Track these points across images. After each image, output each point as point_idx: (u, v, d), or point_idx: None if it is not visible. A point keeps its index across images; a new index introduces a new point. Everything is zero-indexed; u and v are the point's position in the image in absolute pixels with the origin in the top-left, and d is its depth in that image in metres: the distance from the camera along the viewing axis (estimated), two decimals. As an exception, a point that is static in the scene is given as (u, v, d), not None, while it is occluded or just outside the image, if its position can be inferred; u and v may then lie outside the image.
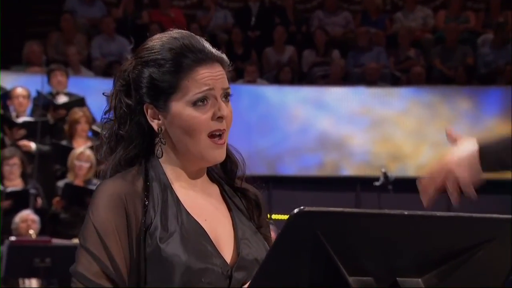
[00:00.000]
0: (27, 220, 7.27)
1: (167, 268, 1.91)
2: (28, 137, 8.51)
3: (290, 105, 10.35)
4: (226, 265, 1.96)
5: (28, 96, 8.80)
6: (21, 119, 8.65)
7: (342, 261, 1.61)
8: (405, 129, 10.16)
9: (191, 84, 1.99)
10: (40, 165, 8.28)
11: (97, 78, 10.17)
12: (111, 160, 2.06)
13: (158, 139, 2.04)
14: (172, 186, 2.02)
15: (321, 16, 11.81)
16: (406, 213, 1.61)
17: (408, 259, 1.66)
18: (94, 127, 8.35)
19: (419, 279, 1.68)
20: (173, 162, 2.05)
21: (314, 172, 10.19)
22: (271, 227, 2.26)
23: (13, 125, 8.56)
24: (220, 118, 2.00)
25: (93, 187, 2.02)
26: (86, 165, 7.84)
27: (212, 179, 2.12)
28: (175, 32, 2.05)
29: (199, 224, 1.98)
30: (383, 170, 8.62)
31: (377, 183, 8.53)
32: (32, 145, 8.42)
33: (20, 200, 7.69)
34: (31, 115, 8.83)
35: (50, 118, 8.81)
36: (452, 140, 2.29)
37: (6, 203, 7.59)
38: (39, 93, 8.83)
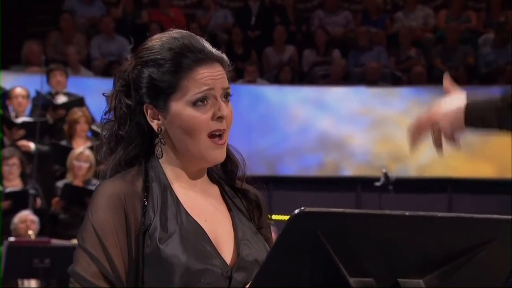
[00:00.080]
0: (26, 220, 7.26)
1: (167, 268, 1.90)
2: (27, 137, 8.50)
3: (290, 105, 10.33)
4: (226, 266, 1.95)
5: (27, 96, 8.79)
6: (20, 119, 8.64)
7: (342, 262, 1.61)
8: (406, 129, 10.10)
9: (191, 84, 1.98)
10: (39, 166, 8.27)
11: (97, 78, 10.17)
12: (110, 161, 2.05)
13: (158, 139, 2.03)
14: (172, 186, 2.02)
15: (321, 15, 11.80)
16: (407, 213, 1.61)
17: (409, 260, 1.65)
18: (94, 127, 8.35)
19: (420, 280, 1.67)
20: (173, 162, 2.04)
21: (314, 172, 10.19)
22: (272, 228, 2.25)
23: (12, 125, 8.56)
24: (220, 118, 2.00)
25: (93, 188, 2.02)
26: (85, 165, 7.83)
27: (213, 179, 2.11)
28: (175, 32, 2.05)
29: (199, 224, 1.97)
30: (383, 170, 8.64)
31: (377, 184, 8.55)
32: (31, 145, 8.41)
33: (19, 201, 7.69)
34: (30, 115, 8.82)
35: (49, 118, 8.80)
36: (446, 88, 2.32)
37: (5, 204, 7.58)
38: (38, 93, 8.82)
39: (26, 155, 8.23)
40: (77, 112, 8.36)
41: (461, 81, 10.61)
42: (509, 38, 10.88)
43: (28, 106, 8.85)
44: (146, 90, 2.01)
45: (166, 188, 2.00)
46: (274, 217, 8.42)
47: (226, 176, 2.12)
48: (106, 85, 2.17)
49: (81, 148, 7.99)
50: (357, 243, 1.61)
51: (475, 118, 2.23)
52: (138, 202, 1.96)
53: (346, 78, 10.98)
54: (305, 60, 11.39)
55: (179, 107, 1.99)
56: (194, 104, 1.98)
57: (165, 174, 2.02)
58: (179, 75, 1.99)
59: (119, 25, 11.17)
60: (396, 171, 9.25)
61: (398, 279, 1.66)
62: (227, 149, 2.06)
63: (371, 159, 10.11)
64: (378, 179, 8.60)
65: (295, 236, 1.58)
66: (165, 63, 1.99)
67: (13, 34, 10.85)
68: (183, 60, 1.99)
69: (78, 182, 7.86)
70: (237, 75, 10.24)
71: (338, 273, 1.61)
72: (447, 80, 2.34)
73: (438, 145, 2.27)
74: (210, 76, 1.99)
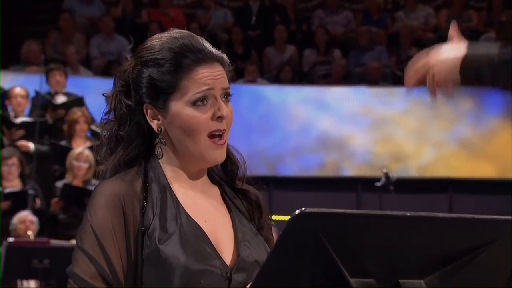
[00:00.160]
0: (25, 221, 7.25)
1: (166, 269, 1.90)
2: (27, 137, 8.49)
3: (290, 105, 10.32)
4: (225, 267, 1.95)
5: (27, 96, 8.79)
6: (19, 119, 8.63)
7: (343, 263, 1.60)
8: (406, 129, 10.14)
9: (190, 84, 1.98)
10: (38, 166, 8.26)
11: (96, 77, 10.16)
12: (110, 161, 2.06)
13: (157, 139, 2.03)
14: (171, 187, 2.02)
15: (322, 15, 11.79)
16: (408, 214, 1.60)
17: (410, 260, 1.65)
18: (93, 127, 8.34)
19: (422, 281, 1.67)
20: (173, 162, 2.04)
21: (314, 172, 10.18)
22: (273, 228, 2.24)
23: (11, 125, 8.54)
24: (220, 118, 1.99)
25: (92, 188, 2.02)
26: (85, 165, 7.82)
27: (213, 180, 2.11)
28: (175, 32, 2.05)
29: (198, 225, 1.97)
30: (384, 170, 8.65)
31: (378, 184, 8.56)
32: (31, 146, 8.40)
33: (18, 201, 7.67)
34: (30, 115, 8.81)
35: (49, 118, 8.79)
36: (451, 36, 2.34)
37: (4, 204, 7.56)
38: (37, 93, 8.82)
39: (26, 155, 8.22)
40: (76, 112, 8.35)
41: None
42: (510, 37, 10.86)
43: (27, 106, 8.84)
44: (146, 90, 2.01)
45: (166, 189, 2.00)
46: (274, 217, 8.39)
47: (227, 177, 2.12)
48: (105, 85, 2.15)
49: (81, 148, 7.98)
50: (358, 243, 1.61)
51: (470, 70, 2.24)
52: (137, 202, 1.96)
53: (347, 78, 10.97)
54: (305, 60, 11.38)
55: (179, 107, 1.99)
56: (194, 104, 1.98)
57: (164, 175, 2.02)
58: (179, 75, 1.99)
59: (119, 25, 11.15)
60: (397, 171, 9.26)
61: (399, 280, 1.66)
62: (227, 150, 2.05)
63: (371, 159, 10.10)
64: (379, 179, 8.61)
65: (295, 237, 1.58)
66: (165, 63, 1.99)
67: (12, 34, 10.85)
68: (183, 60, 1.99)
69: (77, 182, 7.85)
70: (237, 74, 10.24)
71: (339, 273, 1.60)
72: (453, 29, 2.35)
73: (432, 91, 2.28)
74: (210, 76, 1.99)
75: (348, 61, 11.24)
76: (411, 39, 11.30)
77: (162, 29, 2.12)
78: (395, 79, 10.98)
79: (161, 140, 2.02)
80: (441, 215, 1.62)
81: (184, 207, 1.99)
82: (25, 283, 6.78)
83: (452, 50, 2.28)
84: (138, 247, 1.93)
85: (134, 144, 2.04)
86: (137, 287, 1.93)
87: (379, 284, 1.64)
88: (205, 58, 2.00)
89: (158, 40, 2.03)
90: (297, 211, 1.55)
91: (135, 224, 1.94)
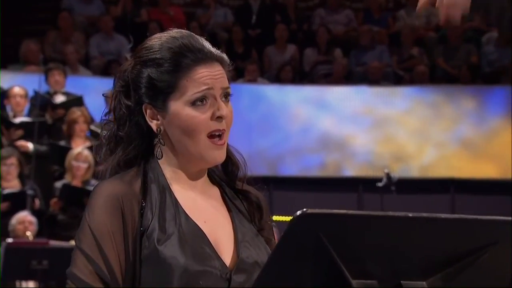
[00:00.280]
0: (24, 221, 7.24)
1: (165, 270, 1.90)
2: (26, 137, 8.47)
3: (291, 105, 10.31)
4: (225, 268, 1.95)
5: (26, 95, 8.78)
6: (18, 119, 8.62)
7: (345, 264, 1.60)
8: (408, 129, 10.13)
9: (189, 83, 1.98)
10: (37, 166, 8.25)
11: (95, 77, 10.17)
12: (110, 161, 2.06)
13: (157, 139, 2.04)
14: (170, 187, 2.02)
15: (322, 14, 11.77)
16: (410, 215, 1.60)
17: (413, 261, 1.65)
18: (93, 127, 8.33)
19: (424, 282, 1.66)
20: (173, 163, 2.04)
21: (315, 172, 10.17)
22: (274, 229, 2.23)
23: (10, 125, 8.53)
24: (220, 118, 1.99)
25: (92, 188, 2.00)
26: (84, 165, 7.81)
27: (213, 181, 2.11)
28: (174, 32, 2.05)
29: (198, 226, 1.97)
30: (386, 170, 8.65)
31: (379, 184, 8.56)
32: (30, 146, 8.38)
33: (17, 201, 7.66)
34: (29, 114, 8.79)
35: (48, 118, 8.80)
36: None
37: (3, 205, 7.53)
38: (36, 93, 8.80)
39: (25, 156, 8.22)
40: (76, 112, 8.35)
41: (464, 80, 10.58)
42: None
43: (26, 106, 8.82)
44: (145, 90, 2.01)
45: (165, 189, 2.00)
46: (274, 218, 8.34)
47: (227, 177, 2.11)
48: (105, 84, 2.12)
49: (80, 148, 7.98)
50: (360, 244, 1.61)
51: (480, 3, 2.26)
52: (136, 203, 1.96)
53: (348, 78, 10.96)
54: (306, 59, 11.36)
55: (178, 107, 1.98)
56: (193, 104, 1.98)
57: (164, 175, 2.02)
58: (178, 74, 1.98)
59: (118, 24, 11.13)
60: (398, 172, 9.27)
61: (401, 281, 1.65)
62: (227, 150, 2.05)
63: (373, 159, 10.10)
64: (380, 180, 8.60)
65: (297, 238, 1.58)
66: (164, 63, 1.99)
67: (11, 33, 10.83)
68: (182, 60, 1.99)
69: (76, 183, 7.84)
70: (237, 74, 10.23)
71: (340, 275, 1.60)
72: None
73: (441, 14, 2.29)
74: (209, 75, 1.99)
75: (349, 60, 11.23)
76: (412, 38, 11.29)
77: (162, 28, 2.07)
78: (397, 79, 10.98)
79: (160, 140, 2.02)
80: (443, 216, 1.61)
81: (183, 208, 1.98)
82: (24, 284, 6.80)
83: None
84: (136, 247, 1.93)
85: (133, 144, 2.04)
86: (136, 287, 1.93)
87: (381, 285, 1.63)
88: (205, 58, 1.99)
89: (157, 40, 2.03)
90: (298, 212, 1.54)
91: (134, 224, 1.94)
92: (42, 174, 8.38)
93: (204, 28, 11.19)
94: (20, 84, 8.86)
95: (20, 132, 8.51)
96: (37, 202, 7.84)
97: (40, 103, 8.73)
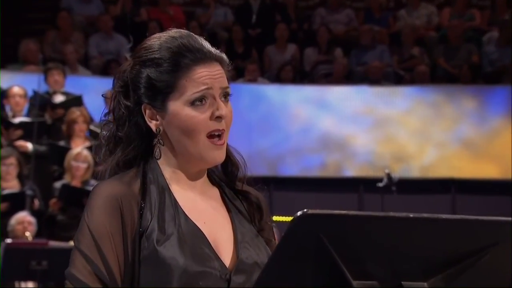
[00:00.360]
0: (23, 222, 7.24)
1: (164, 270, 1.90)
2: (25, 137, 8.46)
3: (291, 105, 10.30)
4: (224, 269, 1.95)
5: (25, 95, 8.78)
6: (17, 119, 8.61)
7: (346, 265, 1.60)
8: (409, 129, 10.12)
9: (189, 83, 1.98)
10: (37, 166, 8.24)
11: (95, 77, 10.17)
12: (109, 162, 2.06)
13: (156, 140, 2.04)
14: (170, 188, 2.02)
15: (323, 13, 11.76)
16: (411, 215, 1.60)
17: (413, 262, 1.65)
18: (92, 127, 8.32)
19: (425, 283, 1.66)
20: (172, 163, 2.04)
21: (316, 173, 10.16)
22: (275, 230, 2.22)
23: (9, 125, 8.52)
24: (219, 118, 1.99)
25: (91, 188, 1.97)
26: (83, 165, 7.80)
27: (213, 181, 2.11)
28: (173, 32, 2.05)
29: (197, 226, 1.97)
30: (386, 170, 8.65)
31: (380, 184, 8.55)
32: (29, 146, 8.37)
33: (16, 202, 7.65)
34: (28, 114, 8.77)
35: (47, 118, 8.79)
36: None
37: (2, 206, 7.52)
38: (35, 92, 8.79)
39: (24, 156, 8.21)
40: (75, 112, 8.34)
41: (465, 80, 10.57)
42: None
43: (25, 106, 8.80)
44: (144, 90, 2.01)
45: (164, 190, 2.00)
46: (275, 218, 8.35)
47: (227, 178, 2.11)
48: (104, 84, 2.10)
49: (79, 148, 7.97)
50: (361, 245, 1.61)
51: None
52: (135, 203, 1.96)
53: (349, 77, 10.95)
54: (306, 59, 11.35)
55: (177, 107, 1.98)
56: (192, 103, 1.98)
57: (163, 176, 2.02)
58: (177, 74, 1.98)
59: (118, 23, 11.12)
60: (399, 172, 9.28)
61: (402, 282, 1.65)
62: (227, 150, 2.05)
63: (373, 159, 10.09)
64: (380, 180, 8.59)
65: (297, 239, 1.58)
66: (163, 63, 1.99)
67: (10, 32, 10.82)
68: (181, 60, 1.99)
69: (76, 183, 7.82)
70: (237, 74, 10.22)
71: (341, 275, 1.60)
72: None
73: None
74: (209, 75, 1.99)
75: (349, 60, 11.22)
76: (413, 38, 11.28)
77: (162, 28, 2.04)
78: (397, 79, 10.97)
79: (160, 140, 2.02)
80: (444, 216, 1.61)
81: (182, 208, 1.98)
82: (23, 284, 6.80)
83: None
84: (136, 248, 1.92)
85: (133, 145, 2.03)
86: (134, 287, 1.93)
87: (381, 286, 1.63)
88: (204, 58, 1.99)
89: (156, 40, 2.03)
90: (299, 213, 1.54)
91: (133, 225, 1.94)
92: (41, 174, 8.38)
93: (204, 27, 11.18)
94: (19, 84, 8.85)
95: (19, 132, 8.50)
96: (37, 202, 7.83)
97: (40, 103, 8.72)
